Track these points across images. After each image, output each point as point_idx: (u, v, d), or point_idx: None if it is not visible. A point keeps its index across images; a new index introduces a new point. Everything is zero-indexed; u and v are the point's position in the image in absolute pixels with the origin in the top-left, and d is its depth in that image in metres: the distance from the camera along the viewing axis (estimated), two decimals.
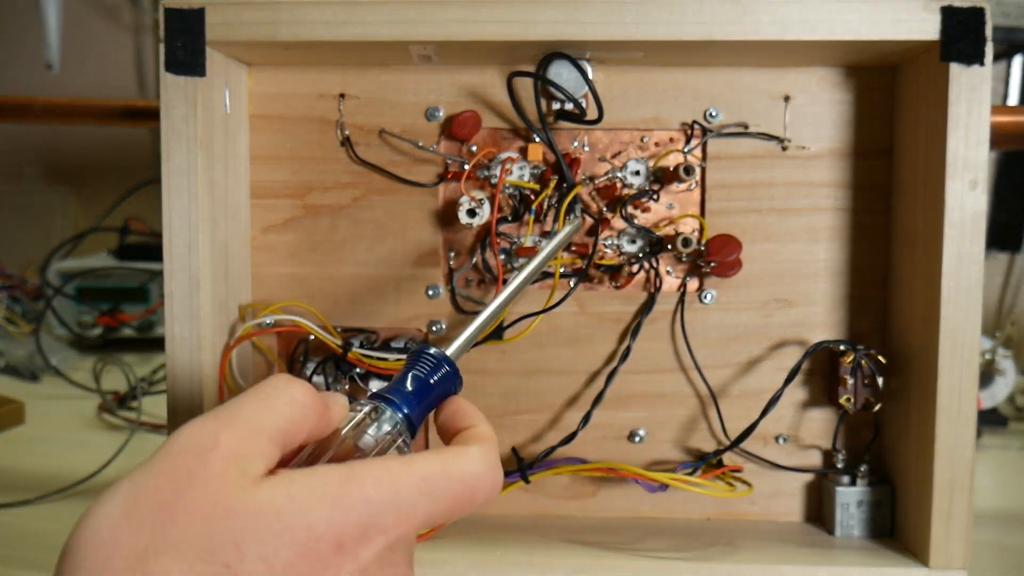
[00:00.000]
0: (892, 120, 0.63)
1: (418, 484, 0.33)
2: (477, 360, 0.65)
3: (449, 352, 0.42)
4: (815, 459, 0.65)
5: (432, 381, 0.40)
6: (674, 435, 0.65)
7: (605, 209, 0.64)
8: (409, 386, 0.39)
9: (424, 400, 0.40)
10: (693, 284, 0.64)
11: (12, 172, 1.86)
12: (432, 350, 0.40)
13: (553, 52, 0.59)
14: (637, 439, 0.65)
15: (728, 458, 0.64)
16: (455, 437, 0.39)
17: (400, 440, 0.38)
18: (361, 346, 0.62)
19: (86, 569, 0.28)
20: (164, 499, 0.29)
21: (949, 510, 0.56)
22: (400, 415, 0.38)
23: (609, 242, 0.64)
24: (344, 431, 0.36)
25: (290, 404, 0.34)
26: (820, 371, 0.64)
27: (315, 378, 0.64)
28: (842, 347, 0.61)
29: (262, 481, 0.30)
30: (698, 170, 0.63)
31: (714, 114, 0.63)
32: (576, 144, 0.64)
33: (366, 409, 0.37)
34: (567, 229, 0.58)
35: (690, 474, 0.61)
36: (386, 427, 0.37)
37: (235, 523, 0.29)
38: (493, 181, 0.63)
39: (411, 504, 0.32)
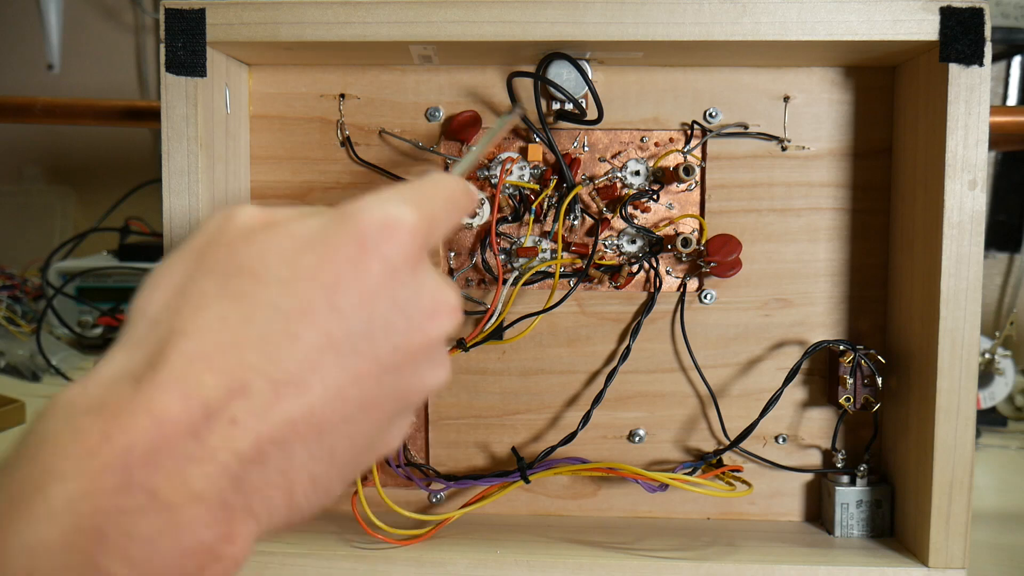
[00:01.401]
0: (891, 120, 0.63)
1: (414, 188, 0.35)
2: (477, 360, 0.65)
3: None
4: (815, 459, 0.65)
5: None
6: (674, 435, 0.66)
7: (605, 209, 0.64)
8: None
9: None
10: (693, 284, 0.64)
11: (12, 172, 1.86)
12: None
13: (553, 52, 0.59)
14: (637, 439, 0.65)
15: (728, 458, 0.64)
16: None
17: None
18: None
19: (138, 311, 0.31)
20: (197, 246, 0.32)
21: (948, 510, 0.56)
22: None
23: (609, 242, 0.64)
24: None
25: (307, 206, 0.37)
26: (820, 371, 0.64)
27: None
28: (842, 347, 0.61)
29: (282, 220, 0.32)
30: (698, 170, 0.63)
31: (714, 114, 0.63)
32: (576, 144, 0.64)
33: None
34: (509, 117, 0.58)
35: (690, 474, 0.61)
36: None
37: (256, 243, 0.31)
38: (493, 181, 0.63)
39: (415, 202, 0.33)
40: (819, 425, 0.65)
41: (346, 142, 0.64)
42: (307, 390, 0.29)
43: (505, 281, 0.62)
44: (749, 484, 0.62)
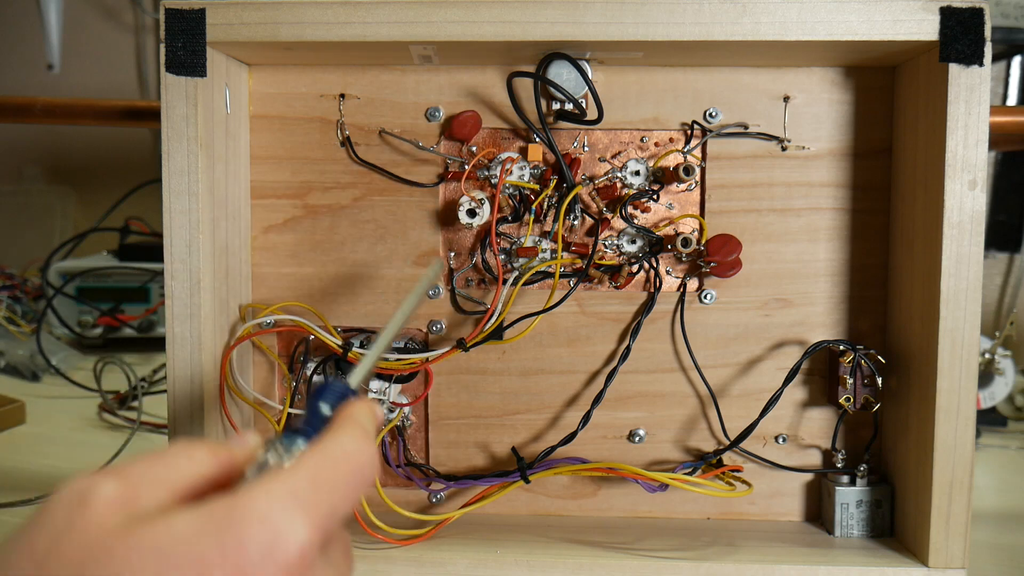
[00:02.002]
0: (891, 120, 0.63)
1: (310, 480, 0.30)
2: (477, 360, 0.65)
3: (352, 379, 0.40)
4: (815, 459, 0.65)
5: (331, 406, 0.38)
6: (674, 435, 0.66)
7: (605, 209, 0.64)
8: (310, 415, 0.37)
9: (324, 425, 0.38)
10: (693, 284, 0.64)
11: (12, 172, 1.86)
12: (331, 382, 0.38)
13: (553, 52, 0.59)
14: (637, 439, 0.65)
15: (728, 458, 0.64)
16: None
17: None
18: (361, 346, 0.62)
19: None
20: (40, 550, 0.27)
21: (948, 510, 0.56)
22: (300, 441, 0.35)
23: (609, 242, 0.64)
24: (248, 470, 0.33)
25: (188, 457, 0.31)
26: (820, 371, 0.64)
27: (315, 378, 0.64)
28: (842, 347, 0.61)
29: (146, 521, 0.28)
30: (698, 170, 0.63)
31: (714, 114, 0.63)
32: (576, 144, 0.64)
33: (270, 444, 0.34)
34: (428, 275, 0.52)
35: (690, 474, 0.61)
36: (286, 457, 0.34)
37: (114, 564, 0.26)
38: (493, 181, 0.63)
39: (310, 504, 0.29)
40: (819, 425, 0.65)
41: (346, 142, 0.64)
42: None
43: (505, 281, 0.62)
44: (749, 484, 0.62)
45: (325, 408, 0.35)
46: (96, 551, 0.27)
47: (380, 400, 0.64)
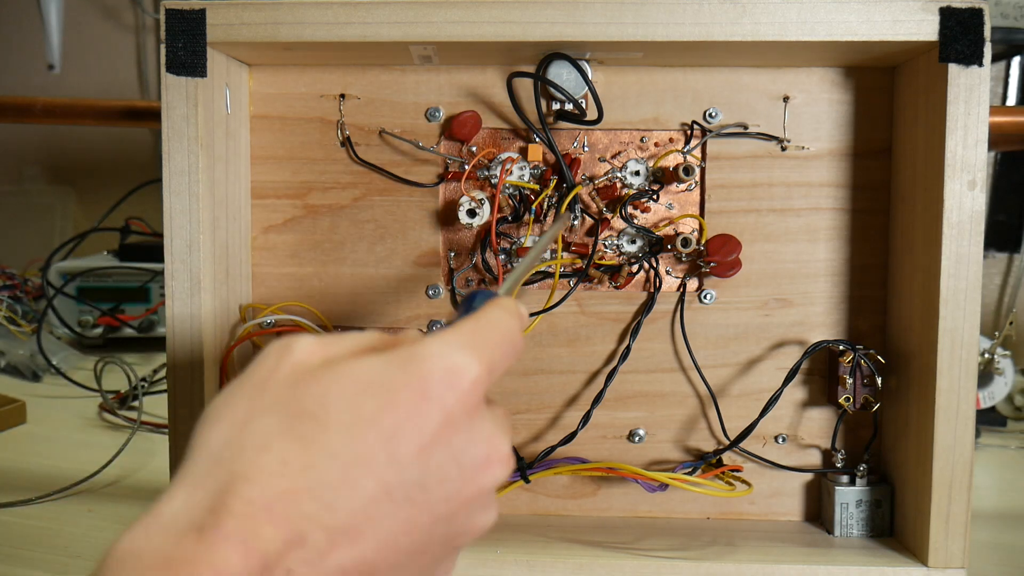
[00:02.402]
0: (891, 120, 0.63)
1: (472, 332, 0.34)
2: None
3: (500, 289, 0.44)
4: (814, 459, 0.65)
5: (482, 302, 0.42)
6: (674, 435, 0.66)
7: (605, 209, 0.64)
8: (464, 311, 0.41)
9: None
10: (693, 284, 0.65)
11: (12, 172, 1.86)
12: (480, 290, 0.42)
13: (553, 52, 0.59)
14: (637, 439, 0.65)
15: (728, 458, 0.64)
16: None
17: None
18: None
19: (199, 445, 0.31)
20: (257, 380, 0.33)
21: (948, 509, 0.56)
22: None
23: (609, 242, 0.64)
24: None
25: (364, 333, 0.37)
26: (819, 371, 0.65)
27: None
28: (841, 347, 0.61)
29: (341, 361, 0.33)
30: (698, 170, 0.63)
31: (713, 114, 0.63)
32: (576, 144, 0.64)
33: (430, 327, 0.40)
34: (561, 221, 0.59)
35: (690, 474, 0.61)
36: None
37: (318, 384, 0.32)
38: (493, 181, 0.63)
39: (477, 347, 0.33)
40: (819, 425, 0.65)
41: (346, 142, 0.65)
42: (360, 539, 0.30)
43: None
44: (749, 484, 0.62)
45: (478, 302, 0.39)
46: (304, 377, 0.32)
47: None
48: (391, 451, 0.31)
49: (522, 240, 0.64)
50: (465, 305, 0.40)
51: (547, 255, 0.64)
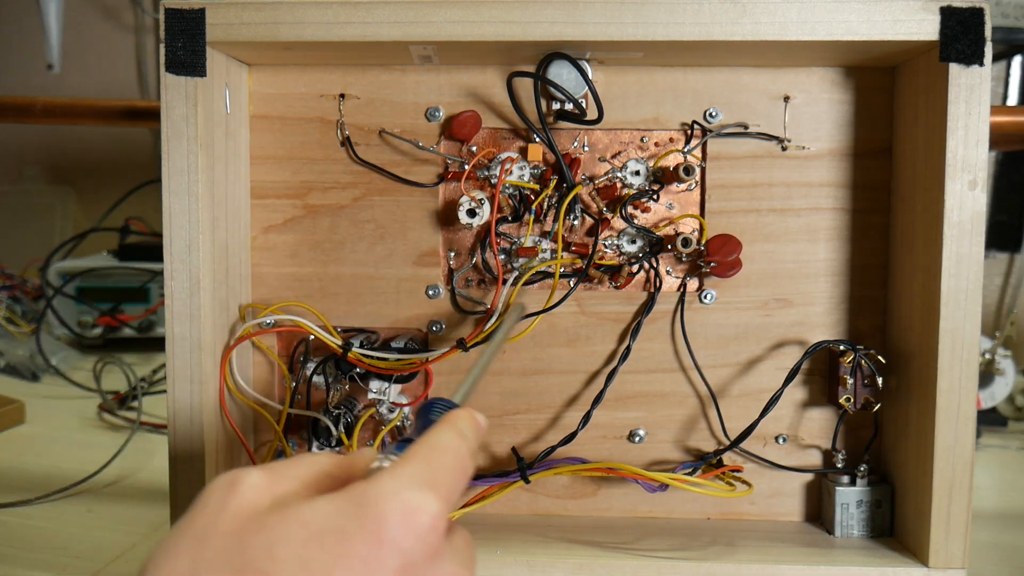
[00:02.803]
0: (891, 120, 0.63)
1: (425, 464, 0.33)
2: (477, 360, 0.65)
3: (456, 397, 0.43)
4: (815, 459, 0.65)
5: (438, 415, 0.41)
6: (674, 435, 0.65)
7: (605, 209, 0.64)
8: (420, 428, 0.40)
9: None
10: (693, 284, 0.64)
11: (12, 172, 1.86)
12: (437, 399, 0.41)
13: (553, 52, 0.59)
14: (637, 439, 0.65)
15: (728, 458, 0.64)
16: None
17: None
18: (361, 346, 0.62)
19: None
20: (200, 528, 0.30)
21: (948, 510, 0.56)
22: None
23: (609, 242, 0.64)
24: (368, 471, 0.36)
25: (315, 459, 0.35)
26: (820, 371, 0.64)
27: (315, 378, 0.64)
28: (842, 347, 0.61)
29: (290, 503, 0.31)
30: (698, 170, 0.63)
31: (714, 114, 0.63)
32: (576, 144, 0.64)
33: (384, 451, 0.37)
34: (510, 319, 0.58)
35: (690, 474, 0.61)
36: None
37: (267, 533, 0.30)
38: (493, 181, 0.63)
39: (432, 482, 0.32)
40: (819, 425, 0.65)
41: (346, 142, 0.64)
42: None
43: (505, 281, 0.62)
44: (749, 484, 0.62)
45: (435, 415, 0.39)
46: (250, 525, 0.30)
47: (380, 400, 0.64)
48: None
49: (522, 240, 0.64)
50: (422, 418, 0.39)
51: (547, 255, 0.64)
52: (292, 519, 0.30)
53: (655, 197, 0.64)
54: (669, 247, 0.63)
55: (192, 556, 0.30)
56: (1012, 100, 1.33)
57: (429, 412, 0.40)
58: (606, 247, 0.64)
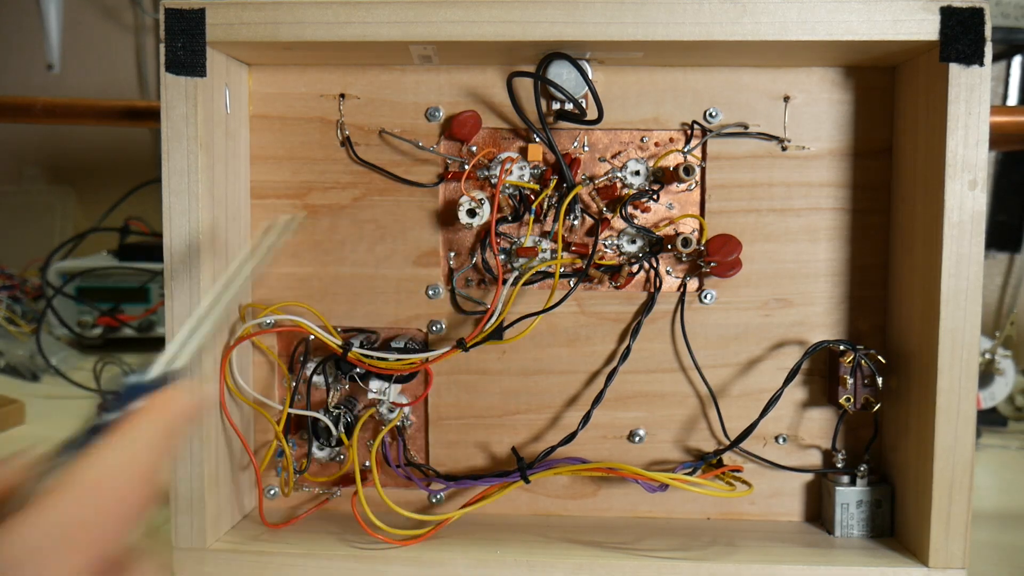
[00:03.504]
0: (891, 120, 0.63)
1: (66, 516, 0.28)
2: (477, 360, 0.65)
3: (153, 372, 0.36)
4: (815, 459, 0.65)
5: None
6: (674, 435, 0.65)
7: (605, 209, 0.64)
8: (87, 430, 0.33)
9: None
10: (693, 284, 0.64)
11: (12, 172, 1.86)
12: (125, 384, 0.34)
13: (553, 52, 0.59)
14: (637, 439, 0.65)
15: (728, 458, 0.64)
16: None
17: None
18: (361, 346, 0.62)
19: None
20: None
21: (948, 510, 0.56)
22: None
23: (609, 242, 0.64)
24: (15, 496, 0.30)
25: None
26: (820, 371, 0.64)
27: (315, 378, 0.64)
28: (842, 347, 0.61)
29: None
30: (698, 170, 0.63)
31: (714, 114, 0.63)
32: (576, 144, 0.64)
33: (44, 462, 0.32)
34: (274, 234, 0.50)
35: (690, 474, 0.61)
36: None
37: None
38: (493, 181, 0.63)
39: (72, 544, 0.27)
40: (819, 425, 0.65)
41: (346, 142, 0.64)
42: None
43: (505, 281, 0.62)
44: (749, 484, 0.62)
45: (105, 419, 0.32)
46: None
47: (380, 400, 0.64)
48: None
49: (522, 240, 0.64)
50: (115, 404, 0.33)
51: (547, 255, 0.64)
52: None
53: (655, 197, 0.64)
54: (669, 247, 0.63)
55: None
56: (1012, 100, 1.33)
57: (115, 405, 0.33)
58: (606, 247, 0.64)
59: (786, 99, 0.63)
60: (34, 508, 0.27)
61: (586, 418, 0.63)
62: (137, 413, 0.31)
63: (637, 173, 0.64)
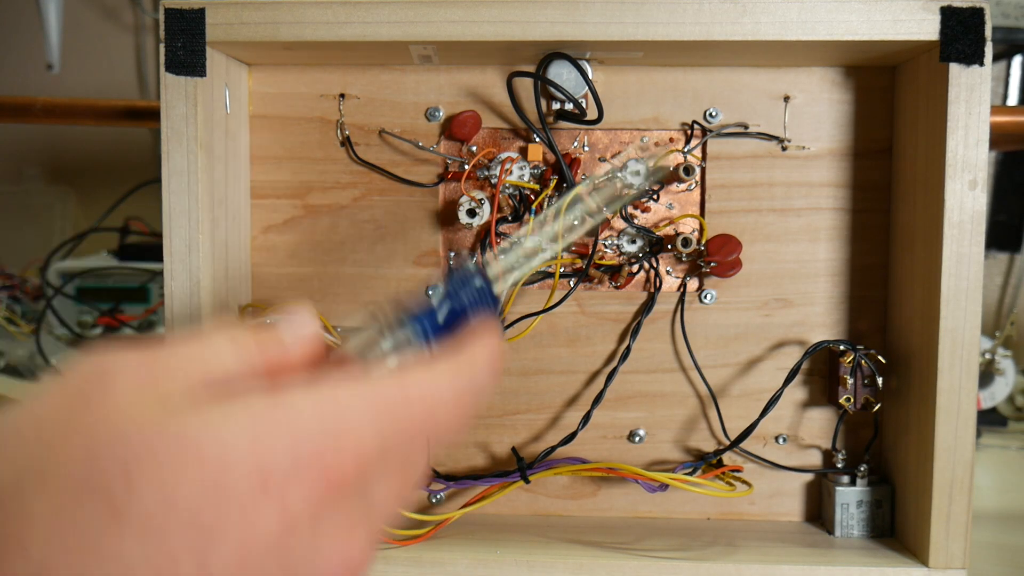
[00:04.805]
0: (892, 120, 0.63)
1: (363, 408, 0.25)
2: None
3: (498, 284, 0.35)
4: (815, 459, 0.65)
5: (466, 311, 0.33)
6: (674, 435, 0.65)
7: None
8: (440, 314, 0.32)
9: (450, 330, 0.32)
10: (693, 284, 0.64)
11: (12, 172, 1.86)
12: (476, 280, 0.33)
13: (553, 52, 0.59)
14: (637, 439, 0.65)
15: (728, 458, 0.64)
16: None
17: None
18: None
19: None
20: (45, 426, 0.22)
21: (948, 510, 0.56)
22: (419, 337, 0.31)
23: (609, 242, 0.64)
24: (351, 349, 0.29)
25: (232, 341, 0.27)
26: (820, 371, 0.64)
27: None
28: (842, 347, 0.61)
29: (176, 412, 0.23)
30: (698, 170, 0.63)
31: (714, 114, 0.63)
32: (576, 144, 0.64)
33: (371, 331, 0.31)
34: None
35: (690, 474, 0.61)
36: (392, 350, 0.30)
37: (127, 449, 0.21)
38: (493, 181, 0.63)
39: (354, 431, 0.25)
40: (819, 425, 0.65)
41: (346, 142, 0.64)
42: None
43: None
44: (749, 484, 0.62)
45: (466, 304, 0.31)
46: (109, 434, 0.22)
47: None
48: (203, 562, 0.22)
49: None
50: (451, 294, 0.31)
51: (547, 253, 0.64)
52: (167, 437, 0.22)
53: (655, 197, 0.64)
54: (669, 247, 0.63)
55: (21, 466, 0.22)
56: (1012, 100, 1.33)
57: (454, 287, 0.31)
58: (606, 247, 0.64)
59: (786, 99, 0.63)
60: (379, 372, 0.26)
61: (586, 418, 0.63)
62: (481, 343, 0.30)
63: (637, 173, 0.64)
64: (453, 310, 0.32)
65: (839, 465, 0.63)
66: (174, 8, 0.57)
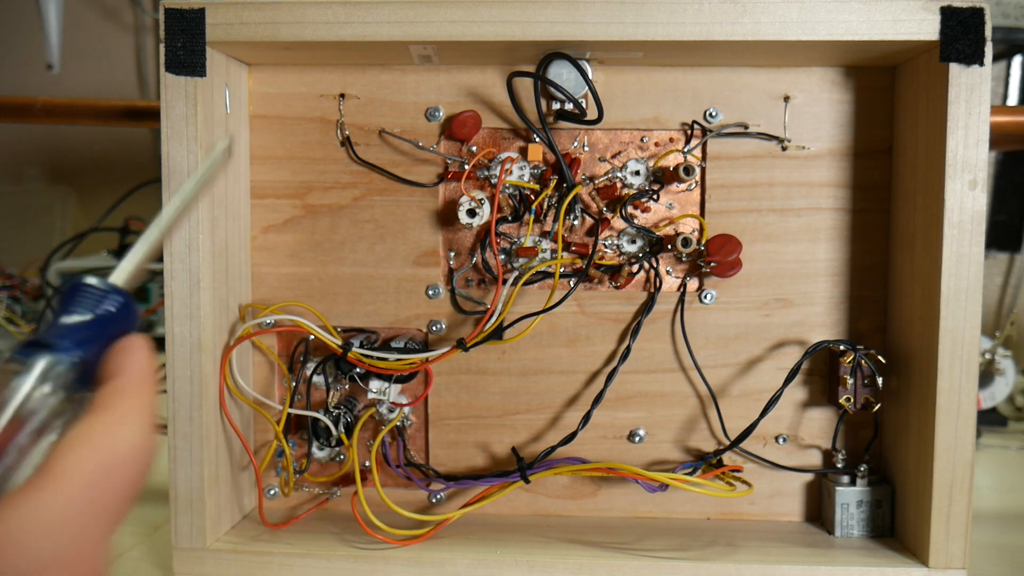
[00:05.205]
0: (892, 120, 0.63)
1: (86, 499, 0.26)
2: (477, 360, 0.65)
3: (115, 279, 0.33)
4: (815, 459, 0.65)
5: (97, 314, 0.31)
6: (674, 435, 0.65)
7: (605, 209, 0.64)
8: (68, 323, 0.30)
9: (95, 339, 0.31)
10: (693, 284, 0.64)
11: (12, 172, 1.86)
12: (91, 279, 0.32)
13: (553, 52, 0.59)
14: (637, 439, 0.65)
15: (728, 458, 0.64)
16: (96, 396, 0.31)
17: (67, 395, 0.30)
18: (361, 346, 0.62)
19: None
20: None
21: (948, 510, 0.56)
22: (62, 361, 0.29)
23: (609, 242, 0.64)
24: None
25: None
26: (820, 371, 0.64)
27: (315, 378, 0.64)
28: (842, 347, 0.61)
29: None
30: (698, 170, 0.63)
31: (714, 114, 0.63)
32: (576, 144, 0.64)
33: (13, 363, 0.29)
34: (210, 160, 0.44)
35: (690, 474, 0.61)
36: (46, 384, 0.29)
37: None
38: (493, 181, 0.63)
39: (78, 526, 0.25)
40: (819, 425, 0.65)
41: (346, 142, 0.64)
42: None
43: (505, 281, 0.62)
44: (749, 484, 0.62)
45: (82, 310, 0.29)
46: None
47: (380, 400, 0.64)
48: None
49: (522, 240, 0.64)
50: (67, 296, 0.29)
51: (547, 255, 0.64)
52: None
53: (655, 197, 0.64)
54: (669, 247, 0.63)
55: None
56: (1012, 100, 1.33)
57: (74, 296, 0.30)
58: (606, 247, 0.64)
59: (786, 99, 0.63)
60: (52, 479, 0.26)
61: (586, 418, 0.63)
62: (137, 357, 0.29)
63: (637, 173, 0.64)
64: (84, 323, 0.30)
65: (839, 465, 0.63)
66: (174, 8, 0.57)
